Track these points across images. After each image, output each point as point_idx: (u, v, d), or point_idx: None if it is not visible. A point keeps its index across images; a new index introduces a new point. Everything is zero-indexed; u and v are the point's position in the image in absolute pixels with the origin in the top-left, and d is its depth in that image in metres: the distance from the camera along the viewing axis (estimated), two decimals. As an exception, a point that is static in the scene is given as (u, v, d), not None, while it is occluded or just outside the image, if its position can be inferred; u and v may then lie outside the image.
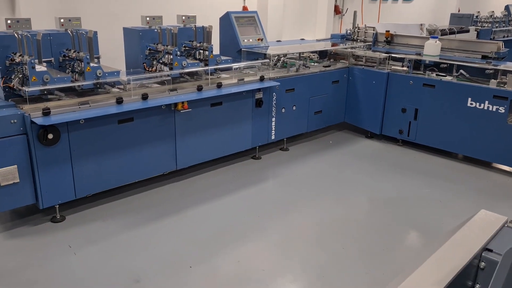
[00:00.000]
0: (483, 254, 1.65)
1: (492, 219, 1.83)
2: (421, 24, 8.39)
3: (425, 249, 3.88)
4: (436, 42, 6.28)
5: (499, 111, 5.33)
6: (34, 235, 3.95)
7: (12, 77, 4.04)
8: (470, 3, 14.50)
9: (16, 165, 3.80)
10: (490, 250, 1.65)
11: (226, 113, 5.24)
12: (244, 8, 7.82)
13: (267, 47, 6.29)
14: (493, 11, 11.61)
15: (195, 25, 5.30)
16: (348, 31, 7.68)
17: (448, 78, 5.85)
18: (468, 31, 9.99)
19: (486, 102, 5.42)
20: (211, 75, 5.18)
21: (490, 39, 10.15)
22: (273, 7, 7.96)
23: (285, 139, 6.18)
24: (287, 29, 8.63)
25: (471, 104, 5.54)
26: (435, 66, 6.16)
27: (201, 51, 5.18)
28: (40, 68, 3.93)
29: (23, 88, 3.86)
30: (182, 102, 4.67)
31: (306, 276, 3.53)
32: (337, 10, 9.71)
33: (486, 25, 11.00)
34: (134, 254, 3.71)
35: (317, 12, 9.24)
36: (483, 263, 1.64)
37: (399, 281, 1.44)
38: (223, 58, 5.29)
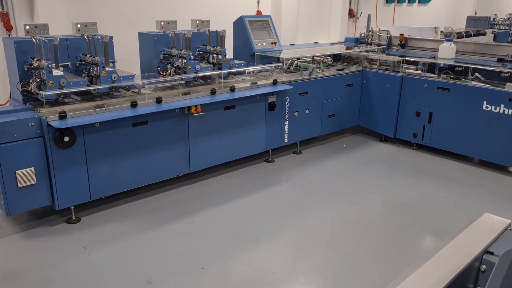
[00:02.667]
0: (484, 256, 1.64)
1: (495, 222, 1.83)
2: (436, 27, 8.33)
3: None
4: (451, 45, 6.23)
5: (515, 114, 5.26)
6: (50, 236, 4.03)
7: (30, 81, 4.13)
8: (487, 5, 14.33)
9: (33, 167, 3.88)
10: (491, 253, 1.64)
11: (239, 117, 5.27)
12: (258, 12, 7.86)
13: (280, 50, 6.31)
14: (510, 14, 11.47)
15: (208, 30, 5.35)
16: (362, 35, 7.67)
17: (463, 81, 5.79)
18: (484, 34, 9.86)
19: (502, 105, 5.35)
20: (224, 78, 5.23)
21: (508, 41, 10.00)
22: (287, 11, 7.99)
23: (298, 143, 6.18)
24: (301, 33, 8.64)
25: (487, 107, 5.48)
26: (449, 69, 6.11)
27: (215, 55, 5.23)
28: (57, 72, 4.02)
29: (41, 92, 3.95)
30: (196, 106, 4.72)
31: (318, 279, 3.52)
32: (351, 14, 9.69)
33: (503, 28, 10.86)
34: (147, 255, 3.76)
35: (331, 15, 9.24)
36: (484, 265, 1.64)
37: (399, 281, 1.44)
38: (236, 62, 5.35)
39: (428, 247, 4.10)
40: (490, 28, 10.58)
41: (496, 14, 11.61)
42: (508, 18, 11.21)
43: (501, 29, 10.75)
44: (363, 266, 3.68)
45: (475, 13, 13.64)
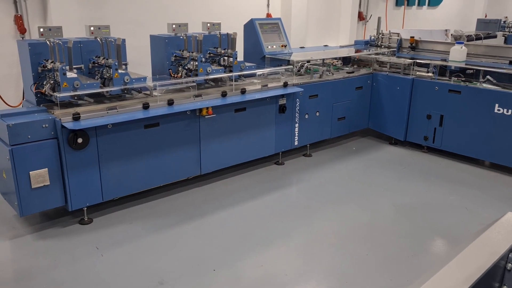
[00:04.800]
0: (510, 255, 1.63)
1: None
2: (446, 30, 8.30)
3: (451, 256, 3.82)
4: (462, 47, 6.20)
5: (527, 117, 5.23)
6: (62, 237, 4.06)
7: (44, 83, 4.18)
8: (497, 8, 14.25)
9: (47, 168, 3.92)
10: None
11: (250, 119, 5.28)
12: (268, 15, 7.88)
13: (290, 53, 6.32)
14: (521, 16, 11.40)
15: (219, 32, 5.38)
16: (372, 37, 7.65)
17: (475, 84, 5.76)
18: (495, 36, 9.82)
19: (514, 108, 5.32)
20: (235, 81, 5.24)
21: (519, 44, 9.94)
22: (297, 14, 8.00)
23: (308, 145, 6.18)
24: (311, 36, 8.65)
25: (498, 110, 5.45)
26: (461, 72, 6.08)
27: (226, 57, 5.25)
28: (70, 74, 4.06)
29: (55, 93, 3.99)
30: (207, 108, 4.74)
31: (329, 282, 3.52)
32: (361, 17, 9.68)
33: (514, 31, 10.79)
34: (159, 257, 3.78)
35: (340, 18, 9.24)
36: (510, 264, 1.62)
37: (422, 282, 1.44)
38: (247, 64, 5.36)
39: (440, 250, 4.07)
40: (500, 30, 10.53)
41: (506, 17, 11.56)
42: (519, 21, 11.15)
43: (511, 32, 10.69)
44: (375, 269, 3.67)
45: (486, 16, 13.57)
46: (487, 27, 10.55)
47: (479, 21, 11.07)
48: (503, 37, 9.96)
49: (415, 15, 11.47)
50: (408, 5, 10.99)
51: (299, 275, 3.57)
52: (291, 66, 5.96)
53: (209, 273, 3.57)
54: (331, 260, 3.80)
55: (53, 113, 4.01)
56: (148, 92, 4.64)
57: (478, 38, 9.08)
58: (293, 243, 4.06)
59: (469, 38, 8.86)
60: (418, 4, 11.44)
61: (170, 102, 4.54)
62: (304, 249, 3.96)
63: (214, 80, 5.18)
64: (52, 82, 4.11)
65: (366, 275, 3.59)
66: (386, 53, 7.19)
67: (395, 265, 3.72)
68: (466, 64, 6.07)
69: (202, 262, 3.71)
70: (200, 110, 4.73)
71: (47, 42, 4.14)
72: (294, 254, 3.89)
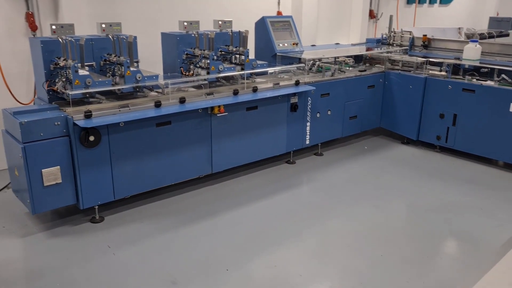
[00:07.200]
0: None
1: None
2: (459, 28, 8.19)
3: (468, 258, 3.76)
4: (476, 46, 6.11)
5: (544, 117, 5.14)
6: (74, 235, 4.04)
7: (56, 80, 4.15)
8: (509, 6, 14.05)
9: (59, 166, 3.90)
10: None
11: (262, 117, 5.24)
12: (279, 13, 7.81)
13: (302, 51, 6.26)
14: (533, 15, 11.22)
15: (231, 30, 5.33)
16: (384, 36, 7.57)
17: (489, 83, 5.67)
18: (508, 35, 9.67)
19: (530, 107, 5.23)
20: (246, 79, 5.19)
21: (532, 42, 9.79)
22: (308, 12, 7.92)
23: (319, 144, 6.12)
24: (321, 34, 8.57)
25: (514, 109, 5.36)
26: (475, 71, 5.99)
27: (237, 55, 5.20)
28: (82, 72, 4.03)
29: (67, 91, 3.96)
30: (219, 106, 4.69)
31: (345, 283, 3.46)
32: (371, 15, 9.58)
33: (527, 29, 10.63)
34: (171, 256, 3.74)
35: (351, 16, 9.15)
36: None
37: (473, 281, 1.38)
38: (258, 62, 5.31)
39: (456, 251, 4.00)
40: (513, 29, 10.38)
41: (518, 15, 11.38)
42: (531, 19, 10.99)
43: (524, 30, 10.53)
44: (391, 271, 3.61)
45: (497, 14, 13.40)
46: (500, 25, 10.40)
47: (492, 19, 10.92)
48: (516, 36, 9.82)
49: (426, 13, 11.34)
50: (419, 3, 10.86)
51: (314, 276, 3.53)
52: (303, 64, 5.90)
53: (223, 273, 3.53)
54: (346, 261, 3.74)
55: (65, 111, 3.99)
56: (160, 90, 4.60)
57: (490, 36, 8.94)
58: (306, 244, 4.01)
59: (482, 36, 8.73)
60: (430, 2, 11.30)
61: (182, 100, 4.51)
62: (318, 250, 3.91)
63: (225, 78, 5.14)
64: (64, 79, 4.08)
65: (381, 277, 3.53)
66: (398, 51, 7.11)
67: (411, 267, 3.66)
68: (480, 63, 5.98)
69: (214, 262, 3.67)
70: (212, 108, 4.69)
71: (60, 39, 4.11)
72: (308, 254, 3.84)
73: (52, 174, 3.88)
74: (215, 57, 4.88)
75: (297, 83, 5.48)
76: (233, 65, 5.12)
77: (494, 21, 10.78)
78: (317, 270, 3.61)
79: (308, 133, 5.80)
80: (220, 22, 5.34)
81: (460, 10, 12.61)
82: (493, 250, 3.90)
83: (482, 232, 4.19)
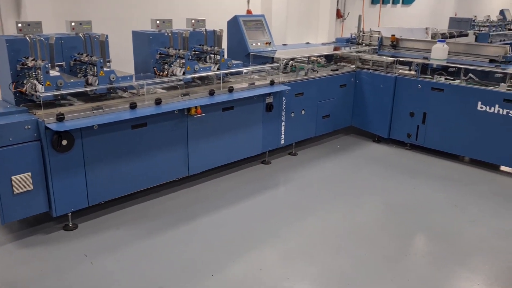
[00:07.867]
0: None
1: None
2: (427, 28, 8.41)
3: (447, 254, 3.84)
4: (443, 46, 6.27)
5: (509, 114, 5.32)
6: (47, 244, 3.84)
7: (24, 81, 3.93)
8: (465, 7, 14.61)
9: (29, 172, 3.69)
10: None
11: (237, 118, 5.17)
12: (248, 11, 7.77)
13: (275, 51, 6.24)
14: (489, 16, 11.69)
15: (205, 29, 5.22)
16: (353, 35, 7.66)
17: (457, 82, 5.84)
18: (467, 35, 10.03)
19: (497, 105, 5.41)
20: (222, 79, 5.11)
21: (488, 43, 10.20)
22: (277, 11, 7.92)
23: (294, 144, 6.12)
24: (291, 33, 8.59)
25: (481, 107, 5.53)
26: (443, 70, 6.15)
27: (212, 55, 5.11)
28: (53, 72, 3.83)
29: (37, 93, 3.75)
30: (196, 107, 4.59)
31: (331, 284, 3.45)
32: (338, 14, 9.71)
33: (483, 29, 11.06)
34: (153, 263, 3.62)
35: (319, 16, 9.23)
36: None
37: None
38: (233, 62, 5.23)
39: (436, 248, 4.06)
40: (471, 29, 10.77)
41: (475, 16, 11.82)
42: (487, 20, 11.44)
43: (481, 30, 10.95)
44: (375, 270, 3.63)
45: (455, 15, 13.88)
46: (459, 26, 10.77)
47: (452, 20, 11.30)
48: (474, 36, 10.19)
49: (390, 12, 11.62)
50: (383, 3, 11.11)
51: (301, 278, 3.49)
52: (277, 64, 5.88)
53: (208, 278, 3.44)
54: (331, 261, 3.73)
55: (35, 114, 3.78)
56: (134, 91, 4.45)
57: (451, 36, 9.24)
58: (288, 244, 3.97)
59: (443, 36, 9.01)
60: (393, 2, 11.58)
61: (158, 102, 4.37)
62: (300, 250, 3.88)
63: (200, 78, 5.03)
64: (33, 80, 3.86)
65: (367, 276, 3.54)
66: (367, 51, 7.21)
67: (394, 265, 3.70)
68: (447, 62, 6.15)
69: (198, 267, 3.58)
70: (189, 109, 4.58)
71: (27, 38, 3.89)
72: (292, 255, 3.80)
73: (22, 181, 3.66)
74: (190, 56, 4.77)
75: (272, 83, 5.44)
76: (208, 65, 5.02)
77: (454, 21, 11.16)
78: (303, 272, 3.58)
79: (283, 133, 5.78)
80: (193, 21, 5.23)
81: (422, 10, 13.00)
82: (470, 245, 4.00)
83: (459, 229, 4.30)
